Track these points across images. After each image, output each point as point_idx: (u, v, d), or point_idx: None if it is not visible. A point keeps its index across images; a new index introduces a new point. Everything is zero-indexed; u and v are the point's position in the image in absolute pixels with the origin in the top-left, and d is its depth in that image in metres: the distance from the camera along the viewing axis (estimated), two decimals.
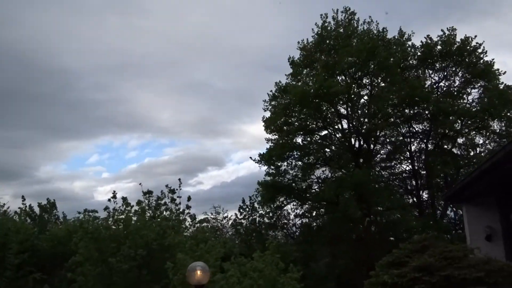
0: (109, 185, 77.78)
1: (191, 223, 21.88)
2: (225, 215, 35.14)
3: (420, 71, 31.68)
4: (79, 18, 68.96)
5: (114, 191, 19.75)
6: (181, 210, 20.60)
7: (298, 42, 31.97)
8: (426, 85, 30.89)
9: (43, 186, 61.98)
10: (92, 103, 68.12)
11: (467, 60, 29.98)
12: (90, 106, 69.29)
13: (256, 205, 33.28)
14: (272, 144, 31.65)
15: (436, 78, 31.67)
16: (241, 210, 33.40)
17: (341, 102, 31.14)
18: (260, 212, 33.20)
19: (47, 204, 27.99)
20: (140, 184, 20.49)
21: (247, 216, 33.35)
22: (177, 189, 20.52)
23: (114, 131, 77.29)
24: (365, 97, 31.64)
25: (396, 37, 30.71)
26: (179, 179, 20.81)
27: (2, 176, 57.89)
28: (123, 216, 19.19)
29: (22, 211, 26.31)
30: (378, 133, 31.11)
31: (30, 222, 26.29)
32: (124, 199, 19.72)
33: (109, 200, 19.70)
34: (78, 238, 19.04)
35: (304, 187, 32.17)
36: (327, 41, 31.15)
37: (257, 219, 33.23)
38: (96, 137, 79.89)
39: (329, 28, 31.04)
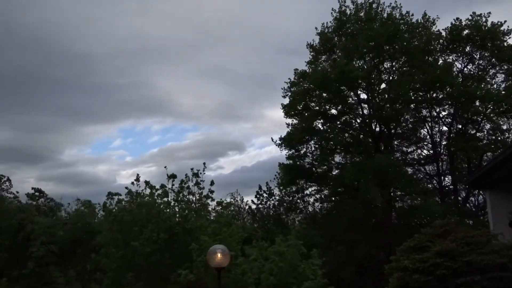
0: (131, 169, 78.96)
1: (214, 207, 22.11)
2: (241, 198, 35.23)
3: (445, 55, 30.99)
4: (99, 2, 69.52)
5: (138, 175, 20.14)
6: (204, 194, 20.75)
7: (316, 28, 31.70)
8: (451, 69, 30.22)
9: (67, 169, 63.23)
10: (114, 87, 69.00)
11: (493, 44, 29.24)
12: (112, 90, 70.24)
13: (274, 189, 33.25)
14: (292, 129, 31.53)
15: (461, 62, 31.01)
16: (257, 196, 33.43)
17: (361, 87, 30.76)
18: (277, 197, 33.19)
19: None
20: (165, 167, 20.77)
21: (264, 202, 33.38)
22: (201, 173, 20.67)
23: (136, 115, 78.30)
24: (386, 82, 31.16)
25: (420, 21, 30.05)
26: (204, 163, 20.96)
27: (27, 159, 59.17)
28: (146, 200, 19.46)
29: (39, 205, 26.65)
30: (399, 118, 30.66)
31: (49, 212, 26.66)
32: (147, 182, 19.98)
33: (132, 183, 20.05)
34: (102, 220, 19.42)
35: (323, 171, 32.03)
36: (347, 25, 30.73)
37: (275, 204, 33.22)
38: (119, 121, 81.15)
39: (348, 12, 30.59)
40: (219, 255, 12.71)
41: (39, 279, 21.63)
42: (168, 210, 19.32)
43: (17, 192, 27.55)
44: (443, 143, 31.64)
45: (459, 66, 30.99)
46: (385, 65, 31.20)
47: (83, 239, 22.77)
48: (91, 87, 70.34)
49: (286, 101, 31.73)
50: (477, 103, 28.86)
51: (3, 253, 23.06)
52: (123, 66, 72.03)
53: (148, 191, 20.25)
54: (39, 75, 66.08)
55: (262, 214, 33.10)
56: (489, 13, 29.20)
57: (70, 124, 75.05)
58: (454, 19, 29.95)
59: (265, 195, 33.56)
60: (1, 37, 63.93)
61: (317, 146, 31.45)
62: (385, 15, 29.99)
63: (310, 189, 32.52)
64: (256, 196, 33.43)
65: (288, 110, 31.37)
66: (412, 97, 30.28)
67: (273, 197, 33.47)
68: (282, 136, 31.39)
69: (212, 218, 21.61)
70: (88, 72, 70.28)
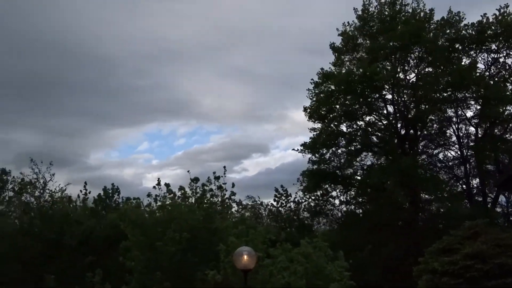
0: (156, 172, 79.69)
1: (237, 209, 22.28)
2: (263, 202, 35.17)
3: (471, 54, 30.43)
4: (118, 4, 70.58)
5: (159, 179, 20.46)
6: (226, 196, 20.93)
7: (337, 29, 31.55)
8: (477, 68, 29.72)
9: (93, 173, 63.90)
10: (134, 90, 69.81)
11: None
12: (132, 93, 71.07)
13: (298, 192, 33.05)
14: (316, 133, 31.36)
15: (485, 61, 30.43)
16: (276, 199, 33.33)
17: (386, 87, 30.50)
18: (295, 199, 33.04)
19: (109, 190, 28.67)
20: (188, 171, 20.96)
21: (283, 205, 33.27)
22: (222, 176, 20.86)
23: (160, 118, 79.04)
24: (411, 82, 30.83)
25: (445, 18, 29.63)
26: (224, 167, 21.17)
27: (54, 163, 59.99)
28: (167, 202, 19.74)
29: (83, 198, 27.17)
30: (424, 119, 30.29)
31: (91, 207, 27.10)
32: (167, 185, 20.27)
33: (154, 187, 20.36)
34: (125, 225, 19.78)
35: (349, 173, 31.86)
36: (371, 24, 30.54)
37: (292, 206, 33.06)
38: (143, 124, 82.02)
39: (371, 10, 30.42)
40: (245, 257, 12.75)
41: (76, 274, 22.13)
42: (189, 211, 19.50)
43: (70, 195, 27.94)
44: (470, 144, 31.09)
45: (482, 66, 30.44)
46: (410, 65, 30.85)
47: (114, 239, 23.09)
48: (110, 90, 71.33)
49: (309, 103, 31.61)
50: (503, 103, 28.27)
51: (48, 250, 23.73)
52: (145, 68, 72.91)
53: (167, 194, 20.53)
54: (63, 79, 67.41)
55: (283, 217, 32.99)
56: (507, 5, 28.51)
57: (95, 127, 76.14)
58: (481, 15, 29.31)
59: (283, 197, 33.34)
60: (26, 43, 65.51)
61: (342, 149, 31.26)
62: (409, 9, 29.69)
63: (335, 192, 32.36)
64: (274, 199, 33.34)
65: (312, 113, 31.25)
66: (438, 98, 29.89)
67: (289, 198, 33.21)
68: (305, 142, 31.16)
69: (234, 220, 21.77)
70: (110, 74, 71.36)
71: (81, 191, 27.61)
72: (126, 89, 70.43)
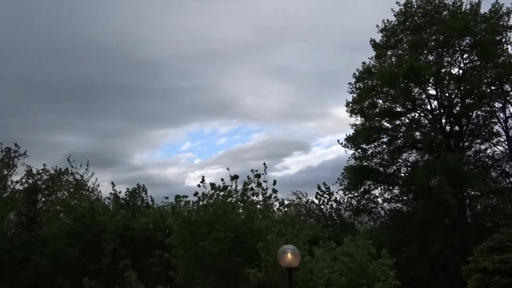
0: (198, 171, 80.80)
1: (278, 208, 22.16)
2: (307, 199, 34.94)
3: None
4: (160, 7, 71.95)
5: (203, 177, 20.46)
6: (268, 194, 20.85)
7: (377, 26, 30.96)
8: None
9: (137, 173, 65.47)
10: (177, 91, 71.07)
11: None
12: (176, 94, 72.44)
13: (338, 190, 32.72)
14: (357, 128, 30.98)
15: None
16: (317, 196, 33.06)
17: (430, 82, 29.75)
18: (336, 196, 32.71)
19: (137, 189, 28.89)
20: (227, 169, 20.96)
21: (325, 203, 32.98)
22: (262, 174, 20.79)
23: (202, 118, 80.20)
24: (456, 76, 29.93)
25: (492, 9, 28.62)
26: (264, 164, 21.02)
27: (100, 164, 61.91)
28: (211, 201, 19.85)
29: (114, 198, 27.57)
30: (471, 114, 29.35)
31: (122, 207, 27.48)
32: (212, 184, 20.35)
33: (198, 185, 20.45)
34: (172, 222, 19.99)
35: (392, 171, 31.28)
36: (415, 18, 29.86)
37: (334, 204, 32.72)
38: (185, 124, 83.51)
39: (413, 4, 29.75)
40: (289, 255, 12.75)
41: (114, 275, 22.54)
42: (233, 210, 19.57)
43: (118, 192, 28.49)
44: None
45: None
46: (455, 59, 30.00)
47: (156, 238, 23.43)
48: (157, 92, 72.90)
49: (351, 98, 31.26)
50: None
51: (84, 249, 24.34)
52: (186, 69, 74.22)
53: (212, 192, 20.61)
54: (110, 82, 69.44)
55: (325, 215, 32.71)
56: None
57: (139, 128, 78.03)
58: None
59: (325, 195, 33.05)
60: (72, 49, 67.79)
61: (385, 145, 30.72)
62: (452, 3, 28.88)
63: (378, 190, 31.86)
64: (316, 197, 33.08)
65: (353, 108, 30.88)
66: (485, 91, 28.91)
67: (332, 197, 32.86)
68: (348, 135, 30.94)
69: (277, 218, 21.66)
70: (153, 76, 72.89)
71: (113, 191, 27.92)
72: (171, 90, 71.91)
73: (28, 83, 62.68)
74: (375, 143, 30.77)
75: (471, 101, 29.02)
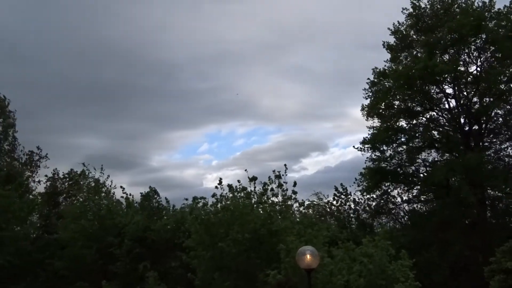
0: (216, 172, 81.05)
1: (298, 208, 22.09)
2: (327, 200, 34.78)
3: None
4: (177, 9, 72.53)
5: (220, 178, 20.53)
6: (287, 195, 20.82)
7: (389, 29, 30.79)
8: None
9: (155, 174, 65.79)
10: (195, 92, 71.41)
11: None
12: (193, 95, 72.80)
13: (355, 192, 32.49)
14: (374, 131, 30.76)
15: None
16: (335, 198, 32.89)
17: (447, 81, 29.43)
18: (354, 197, 32.49)
19: (150, 192, 29.05)
20: (245, 170, 21.00)
21: (343, 203, 32.80)
22: (283, 175, 20.76)
23: (219, 120, 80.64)
24: (473, 74, 29.56)
25: (508, 6, 28.19)
26: (285, 165, 21.00)
27: (119, 166, 62.43)
28: (229, 203, 19.87)
29: (127, 201, 27.75)
30: (490, 112, 28.94)
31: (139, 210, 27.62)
32: (230, 186, 20.38)
33: (216, 187, 20.50)
34: (190, 223, 20.05)
35: (410, 171, 31.00)
36: (426, 19, 29.63)
37: (351, 206, 32.52)
38: (203, 126, 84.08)
39: (422, 5, 29.61)
40: (308, 256, 12.74)
41: (133, 277, 22.65)
42: (251, 212, 19.56)
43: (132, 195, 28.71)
44: None
45: None
46: (471, 57, 29.64)
47: (176, 239, 23.45)
48: (174, 94, 73.44)
49: (367, 102, 31.13)
50: None
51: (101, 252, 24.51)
52: (203, 70, 74.52)
53: (230, 194, 20.63)
54: (127, 85, 70.19)
55: (343, 216, 32.53)
56: None
57: (157, 130, 78.47)
58: None
59: (342, 196, 32.86)
60: (90, 51, 68.70)
61: (403, 146, 30.46)
62: (464, 1, 28.58)
63: (396, 190, 31.59)
64: (334, 198, 32.91)
65: (370, 111, 30.71)
66: (503, 89, 28.50)
67: (350, 198, 32.66)
68: (365, 138, 30.73)
69: (296, 219, 21.56)
70: (171, 78, 73.42)
71: (124, 194, 28.09)
72: (187, 92, 72.38)
73: (48, 86, 63.72)
74: (393, 145, 30.55)
75: (490, 99, 28.64)
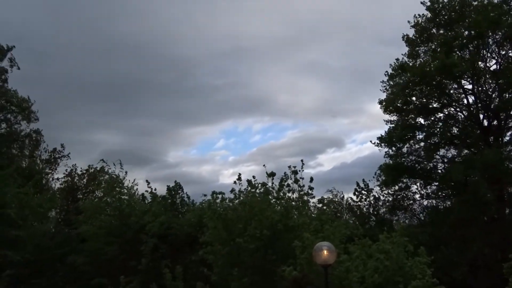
0: (232, 168, 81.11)
1: (314, 205, 22.02)
2: (342, 196, 34.61)
3: None
4: (192, 6, 72.67)
5: (239, 174, 20.60)
6: (304, 191, 20.80)
7: (409, 22, 30.52)
8: None
9: (172, 170, 65.83)
10: (211, 88, 71.49)
11: None
12: (210, 91, 72.87)
13: (375, 187, 32.30)
14: (392, 126, 30.61)
15: None
16: (356, 193, 32.72)
17: (465, 77, 29.10)
18: (375, 194, 32.29)
19: (175, 186, 28.88)
20: (264, 165, 21.00)
21: (363, 199, 32.62)
22: (299, 170, 20.75)
23: (236, 115, 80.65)
24: (493, 70, 29.23)
25: None
26: (302, 160, 20.93)
27: (135, 161, 62.66)
28: (248, 198, 19.93)
29: (153, 197, 27.75)
30: (510, 108, 28.56)
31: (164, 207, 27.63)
32: (249, 182, 20.44)
33: (234, 182, 20.58)
34: (208, 218, 20.14)
35: (428, 167, 30.73)
36: (443, 13, 29.34)
37: (371, 201, 32.31)
38: (219, 122, 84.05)
39: (440, 0, 29.25)
40: (325, 252, 12.72)
41: (153, 273, 22.75)
42: (269, 207, 19.59)
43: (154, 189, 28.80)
44: None
45: None
46: (490, 52, 29.26)
47: (197, 234, 23.47)
48: (191, 90, 73.57)
49: (384, 96, 30.92)
50: None
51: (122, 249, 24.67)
52: (219, 66, 74.62)
53: (249, 189, 20.65)
54: (144, 81, 70.60)
55: (362, 212, 32.33)
56: None
57: (174, 126, 78.57)
58: None
59: (363, 192, 32.67)
60: (109, 47, 69.21)
61: (422, 142, 30.20)
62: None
63: (414, 186, 31.36)
64: (354, 194, 32.74)
65: (387, 106, 30.49)
66: None
67: (371, 194, 32.45)
68: (381, 135, 30.65)
69: (313, 215, 21.51)
70: (187, 74, 73.63)
71: (149, 189, 28.09)
72: (205, 88, 72.46)
73: (68, 83, 64.30)
74: (411, 141, 30.32)
75: (509, 95, 28.31)
